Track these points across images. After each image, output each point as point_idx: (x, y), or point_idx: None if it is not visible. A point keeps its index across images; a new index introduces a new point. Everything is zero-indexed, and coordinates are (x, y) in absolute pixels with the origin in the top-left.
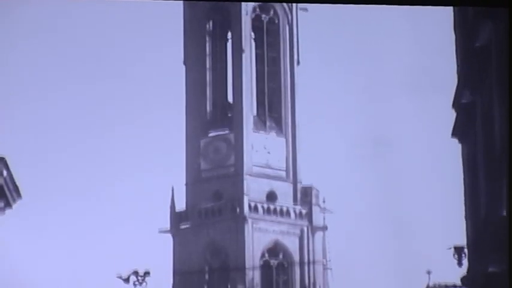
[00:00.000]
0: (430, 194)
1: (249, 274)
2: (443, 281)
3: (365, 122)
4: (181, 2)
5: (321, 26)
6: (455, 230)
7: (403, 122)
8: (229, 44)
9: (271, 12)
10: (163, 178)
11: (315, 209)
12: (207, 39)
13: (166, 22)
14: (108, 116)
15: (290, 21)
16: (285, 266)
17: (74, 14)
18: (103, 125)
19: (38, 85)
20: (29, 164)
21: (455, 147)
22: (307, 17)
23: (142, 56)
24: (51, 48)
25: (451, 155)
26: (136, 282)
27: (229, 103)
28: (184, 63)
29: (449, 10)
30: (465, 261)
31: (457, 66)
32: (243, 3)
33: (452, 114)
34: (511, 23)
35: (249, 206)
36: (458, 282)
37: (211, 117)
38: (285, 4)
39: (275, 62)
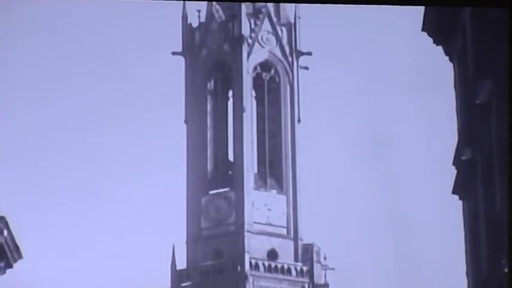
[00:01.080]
0: (430, 194)
1: None
2: None
3: (365, 124)
4: (181, 20)
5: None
6: (456, 229)
7: (405, 123)
8: (230, 103)
9: (272, 70)
10: (164, 236)
11: (316, 266)
12: (208, 97)
13: (167, 22)
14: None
15: (291, 80)
16: None
17: (74, 14)
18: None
19: (38, 85)
20: (30, 164)
21: (455, 147)
22: (307, 75)
23: (143, 57)
24: (51, 48)
25: (451, 155)
26: None
27: (230, 161)
28: (186, 121)
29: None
30: None
31: (457, 123)
32: (244, 61)
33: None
34: (511, 23)
35: (250, 263)
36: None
37: (212, 176)
38: (285, 62)
39: (276, 120)
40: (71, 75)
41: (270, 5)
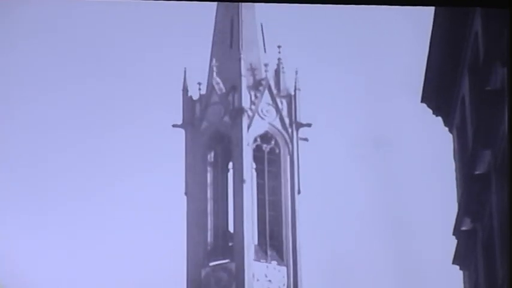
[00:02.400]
0: (431, 194)
1: None
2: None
3: (369, 129)
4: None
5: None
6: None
7: (406, 123)
8: (230, 174)
9: (272, 142)
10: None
11: None
12: (208, 169)
13: (168, 22)
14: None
15: (291, 151)
16: None
17: (74, 14)
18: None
19: (39, 85)
20: (30, 164)
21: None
22: (307, 146)
23: (143, 57)
24: (51, 48)
25: (451, 156)
26: None
27: (230, 232)
28: (186, 193)
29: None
30: None
31: (457, 193)
32: (244, 133)
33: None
34: (511, 23)
35: None
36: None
37: (212, 247)
38: (285, 134)
39: (276, 191)
40: (70, 75)
41: (271, 77)
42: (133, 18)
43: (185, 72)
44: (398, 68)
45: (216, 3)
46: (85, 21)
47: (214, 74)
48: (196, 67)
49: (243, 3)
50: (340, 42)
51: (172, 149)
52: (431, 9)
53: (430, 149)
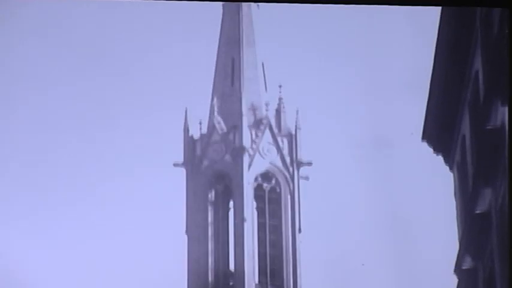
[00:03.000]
0: (431, 194)
1: None
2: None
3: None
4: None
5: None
6: (456, 230)
7: (407, 123)
8: (231, 213)
9: (273, 181)
10: None
11: None
12: (209, 208)
13: (169, 23)
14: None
15: (292, 190)
16: None
17: (74, 14)
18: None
19: (39, 85)
20: (31, 164)
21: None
22: (306, 186)
23: (144, 57)
24: (53, 48)
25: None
26: None
27: (231, 271)
28: (186, 232)
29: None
30: None
31: (458, 231)
32: (245, 172)
33: (454, 279)
34: (511, 23)
35: None
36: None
37: (213, 286)
38: (286, 173)
39: (277, 230)
40: (70, 75)
41: (271, 116)
42: (135, 19)
43: (186, 112)
44: (400, 68)
45: (216, 46)
46: (87, 21)
47: (215, 113)
48: (198, 106)
49: (244, 43)
50: (341, 42)
51: (173, 188)
52: (431, 9)
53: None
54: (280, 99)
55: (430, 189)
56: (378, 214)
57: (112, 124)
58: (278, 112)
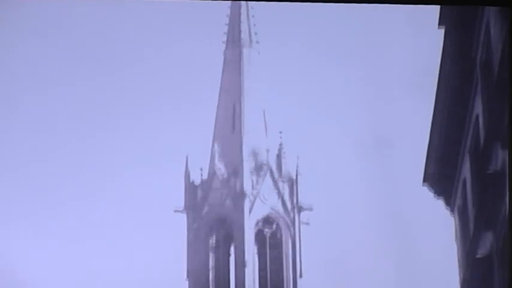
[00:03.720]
0: (432, 194)
1: None
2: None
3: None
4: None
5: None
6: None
7: (409, 123)
8: (232, 258)
9: (274, 226)
10: None
11: None
12: (210, 253)
13: (170, 23)
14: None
15: (292, 235)
16: None
17: (75, 13)
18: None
19: (39, 85)
20: (31, 164)
21: None
22: (307, 230)
23: (144, 57)
24: (53, 48)
25: None
26: None
27: None
28: (187, 277)
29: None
30: None
31: (459, 274)
32: (246, 217)
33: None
34: (511, 23)
35: None
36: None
37: None
38: (287, 218)
39: (278, 275)
40: (70, 75)
41: (272, 162)
42: (136, 19)
43: (187, 158)
44: (401, 67)
45: (218, 92)
46: (87, 21)
47: (216, 159)
48: (198, 152)
49: (245, 90)
50: (341, 42)
51: (174, 233)
52: (432, 9)
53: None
54: (280, 144)
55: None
56: (378, 214)
57: (113, 169)
58: (279, 157)
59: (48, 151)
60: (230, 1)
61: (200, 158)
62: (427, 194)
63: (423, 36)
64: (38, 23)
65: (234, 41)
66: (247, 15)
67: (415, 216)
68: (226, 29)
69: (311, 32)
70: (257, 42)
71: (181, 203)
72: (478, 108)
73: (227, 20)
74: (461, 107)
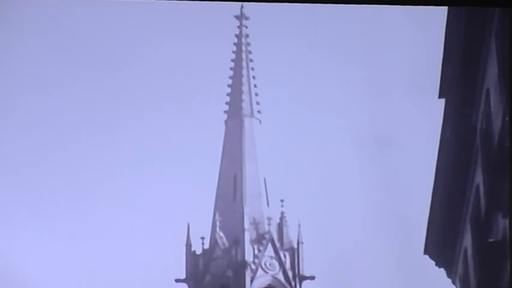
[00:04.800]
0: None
1: None
2: None
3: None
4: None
5: None
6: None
7: (411, 124)
8: None
9: None
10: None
11: None
12: None
13: (170, 23)
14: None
15: None
16: None
17: (75, 13)
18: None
19: (39, 85)
20: (31, 164)
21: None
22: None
23: (144, 57)
24: (53, 48)
25: None
26: None
27: None
28: None
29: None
30: None
31: None
32: (247, 287)
33: None
34: (511, 23)
35: None
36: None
37: None
38: (288, 287)
39: None
40: (71, 75)
41: (274, 231)
42: (137, 19)
43: (188, 227)
44: (402, 68)
45: (219, 162)
46: (89, 21)
47: (218, 228)
48: (200, 222)
49: (246, 159)
50: (342, 42)
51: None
52: (432, 9)
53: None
54: (282, 213)
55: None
56: (379, 215)
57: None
58: (280, 226)
59: (48, 151)
60: (232, 68)
61: (202, 227)
62: (427, 194)
63: (424, 36)
64: (38, 23)
65: (235, 111)
66: (249, 86)
67: (416, 216)
68: (227, 99)
69: (314, 99)
70: (258, 112)
71: (182, 273)
72: (479, 177)
73: (228, 90)
74: (461, 176)
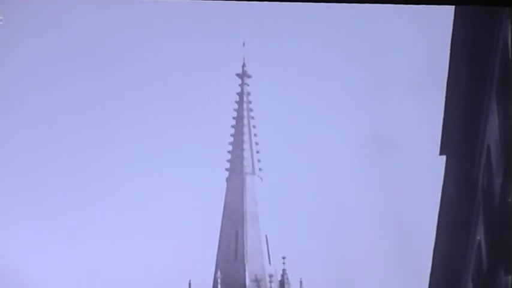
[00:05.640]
0: (435, 196)
1: None
2: None
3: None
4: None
5: None
6: None
7: (412, 123)
8: None
9: None
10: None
11: None
12: None
13: (171, 23)
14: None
15: None
16: None
17: (75, 13)
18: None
19: (39, 85)
20: (31, 164)
21: None
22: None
23: (144, 56)
24: (53, 48)
25: None
26: None
27: None
28: None
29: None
30: None
31: None
32: None
33: None
34: (511, 23)
35: None
36: None
37: None
38: None
39: None
40: (71, 75)
41: (275, 287)
42: (138, 18)
43: (190, 284)
44: (403, 68)
45: (220, 219)
46: (88, 20)
47: (219, 285)
48: (201, 279)
49: (247, 216)
50: (343, 42)
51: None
52: (433, 9)
53: (436, 150)
54: (283, 270)
55: (433, 189)
56: (379, 215)
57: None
58: (282, 284)
59: (48, 151)
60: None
61: (203, 284)
62: (427, 194)
63: (424, 35)
64: (38, 23)
65: (236, 168)
66: (250, 143)
67: (416, 216)
68: (229, 156)
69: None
70: (260, 170)
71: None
72: (481, 233)
73: (230, 148)
74: (463, 233)
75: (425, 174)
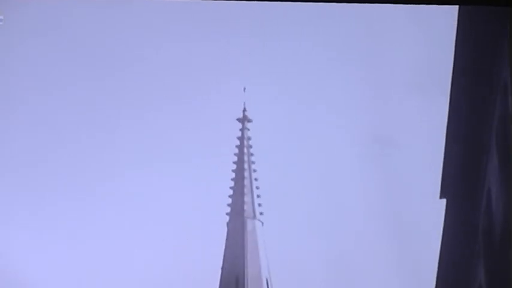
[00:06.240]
0: (436, 196)
1: None
2: None
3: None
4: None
5: None
6: None
7: (412, 123)
8: None
9: None
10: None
11: None
12: None
13: (171, 23)
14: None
15: None
16: None
17: (75, 13)
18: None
19: (39, 85)
20: (31, 164)
21: None
22: None
23: (144, 56)
24: (53, 48)
25: None
26: None
27: None
28: None
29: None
30: None
31: None
32: None
33: None
34: (511, 23)
35: None
36: None
37: None
38: None
39: None
40: (71, 75)
41: None
42: (138, 18)
43: None
44: (404, 68)
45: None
46: (88, 20)
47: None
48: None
49: (248, 260)
50: (344, 42)
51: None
52: (433, 8)
53: (438, 151)
54: None
55: (433, 189)
56: (379, 215)
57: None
58: None
59: (48, 151)
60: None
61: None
62: (427, 194)
63: (425, 35)
64: (38, 23)
65: (237, 212)
66: (251, 187)
67: (416, 216)
68: (229, 200)
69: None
70: (261, 214)
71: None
72: (481, 275)
73: (230, 192)
74: (464, 275)
75: (426, 174)
